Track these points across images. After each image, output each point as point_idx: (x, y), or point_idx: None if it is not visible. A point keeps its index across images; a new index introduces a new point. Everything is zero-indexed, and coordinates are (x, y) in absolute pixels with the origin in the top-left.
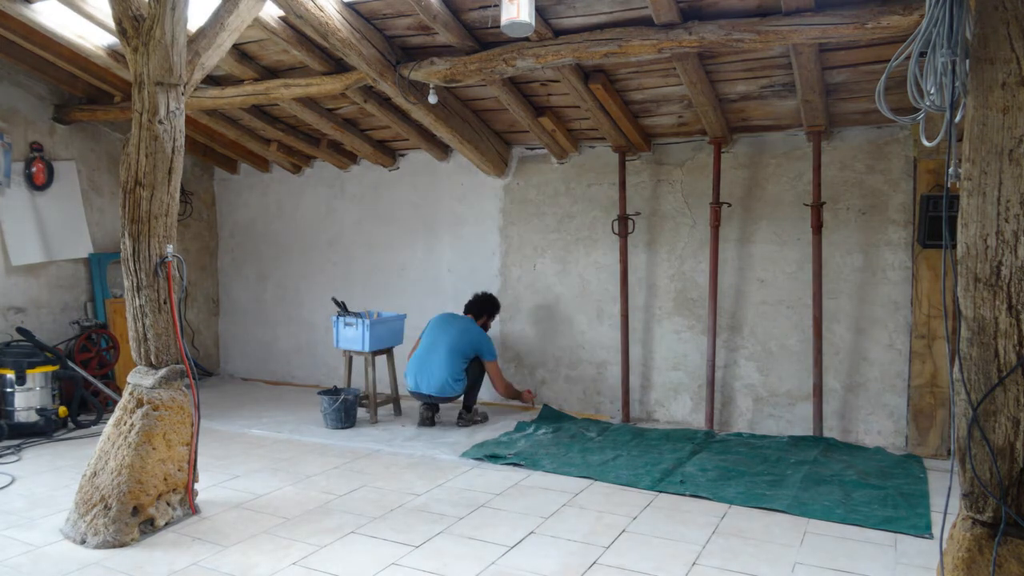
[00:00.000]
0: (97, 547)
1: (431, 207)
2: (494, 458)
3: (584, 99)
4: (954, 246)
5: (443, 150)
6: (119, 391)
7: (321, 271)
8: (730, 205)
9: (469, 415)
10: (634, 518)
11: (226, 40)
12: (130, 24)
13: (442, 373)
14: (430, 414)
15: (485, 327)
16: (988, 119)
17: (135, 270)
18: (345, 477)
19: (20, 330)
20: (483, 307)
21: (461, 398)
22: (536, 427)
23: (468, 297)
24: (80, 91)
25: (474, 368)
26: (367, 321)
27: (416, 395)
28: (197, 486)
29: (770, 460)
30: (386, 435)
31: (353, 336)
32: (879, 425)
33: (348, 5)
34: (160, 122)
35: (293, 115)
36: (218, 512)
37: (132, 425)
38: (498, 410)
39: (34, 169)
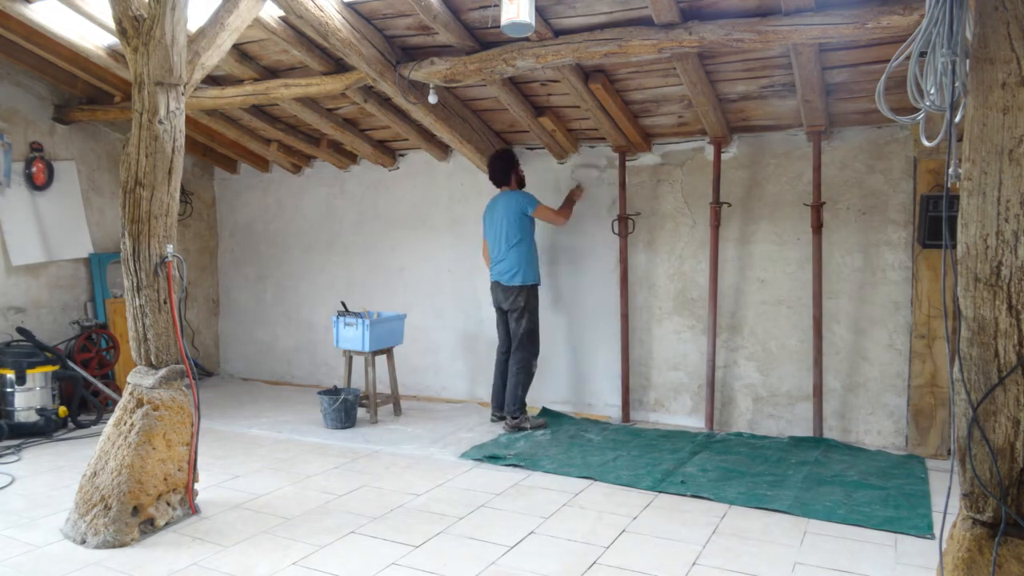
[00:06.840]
0: (97, 547)
1: (431, 207)
2: (494, 458)
3: (584, 99)
4: (954, 246)
5: (443, 150)
6: (119, 391)
7: (321, 271)
8: (730, 205)
9: (516, 420)
10: (634, 518)
11: (226, 40)
12: (130, 24)
13: (509, 260)
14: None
15: (520, 182)
16: (988, 119)
17: (135, 270)
18: (345, 477)
19: (20, 330)
20: (502, 167)
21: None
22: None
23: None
24: (80, 91)
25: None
26: (367, 321)
27: (493, 288)
28: (197, 486)
29: (771, 460)
30: (386, 435)
31: (353, 336)
32: (879, 425)
33: (348, 5)
34: (160, 122)
35: (293, 115)
36: (218, 512)
37: (132, 425)
38: None
39: (34, 169)
